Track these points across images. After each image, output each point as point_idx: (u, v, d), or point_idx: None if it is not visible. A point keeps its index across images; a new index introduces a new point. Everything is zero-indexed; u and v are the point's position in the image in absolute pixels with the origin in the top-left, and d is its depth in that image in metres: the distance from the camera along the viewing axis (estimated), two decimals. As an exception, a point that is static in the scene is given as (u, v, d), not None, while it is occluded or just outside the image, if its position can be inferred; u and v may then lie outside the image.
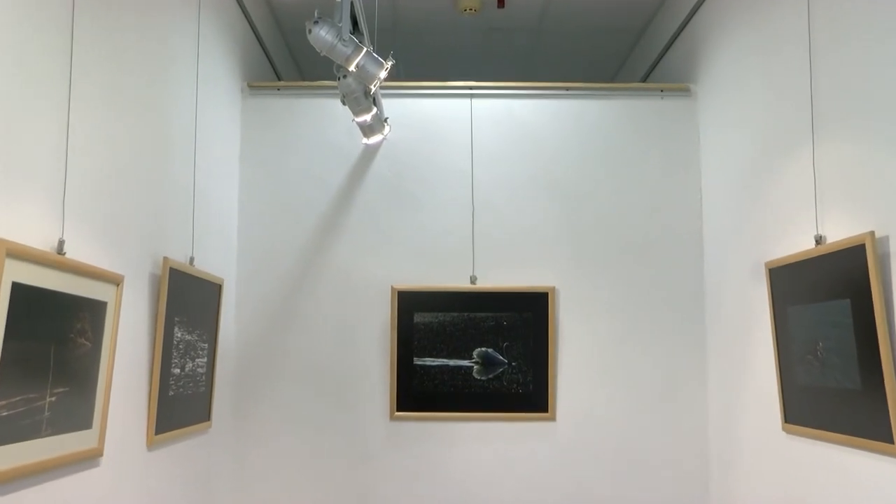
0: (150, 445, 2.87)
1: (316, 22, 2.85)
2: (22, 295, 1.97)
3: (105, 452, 2.48)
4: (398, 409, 3.91)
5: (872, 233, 2.46)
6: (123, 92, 2.64)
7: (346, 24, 2.91)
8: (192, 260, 3.21)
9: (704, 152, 3.99)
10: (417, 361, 3.91)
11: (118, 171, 2.60)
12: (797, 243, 2.94)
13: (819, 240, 2.78)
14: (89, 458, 2.41)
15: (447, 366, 3.91)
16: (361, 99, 3.49)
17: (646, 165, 4.04)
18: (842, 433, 2.65)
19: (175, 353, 3.05)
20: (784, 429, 3.05)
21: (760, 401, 3.30)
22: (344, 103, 3.54)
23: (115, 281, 2.47)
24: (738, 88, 3.56)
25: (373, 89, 3.32)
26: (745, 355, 3.49)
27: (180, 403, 3.13)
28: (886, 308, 2.40)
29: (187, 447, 3.30)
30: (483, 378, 3.91)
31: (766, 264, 3.13)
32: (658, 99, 4.09)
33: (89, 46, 2.37)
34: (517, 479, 3.91)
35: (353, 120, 3.67)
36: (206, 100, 3.42)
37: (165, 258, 2.90)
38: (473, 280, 3.96)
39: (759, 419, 3.31)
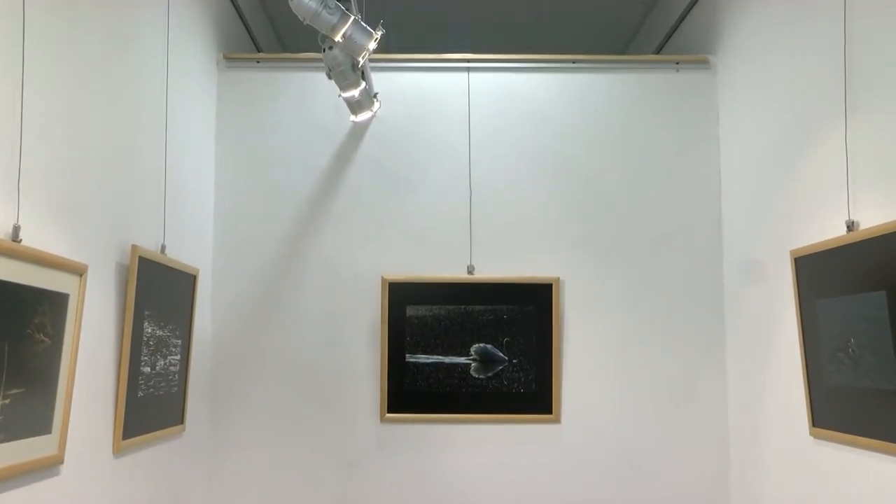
0: (117, 452, 2.85)
1: (298, -14, 2.83)
2: (-29, 286, 1.94)
3: (66, 460, 2.46)
4: (389, 411, 3.91)
5: (911, 218, 2.44)
6: (85, 64, 2.61)
7: (332, -11, 2.89)
8: (163, 248, 3.20)
9: (724, 130, 3.98)
10: (410, 359, 3.92)
11: (80, 150, 2.57)
12: (826, 229, 2.92)
13: (851, 226, 2.76)
14: (48, 467, 2.38)
15: (442, 363, 3.91)
16: (349, 72, 3.48)
17: (659, 145, 4.03)
18: (876, 438, 2.63)
19: (145, 350, 3.03)
20: (812, 433, 3.05)
21: (786, 403, 3.29)
22: (330, 77, 3.53)
23: (78, 271, 2.45)
24: (762, 60, 3.54)
25: (361, 62, 3.32)
26: (768, 353, 3.48)
27: (150, 405, 3.12)
28: (926, 301, 2.38)
29: (158, 453, 3.28)
30: (481, 377, 3.92)
31: (792, 253, 3.12)
32: (673, 72, 4.07)
33: (45, 12, 2.32)
34: (518, 486, 3.91)
35: (340, 95, 3.66)
36: (177, 73, 3.41)
37: (134, 246, 2.89)
38: (471, 270, 3.96)
39: (785, 423, 3.30)
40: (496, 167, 4.03)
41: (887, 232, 2.52)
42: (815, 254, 2.95)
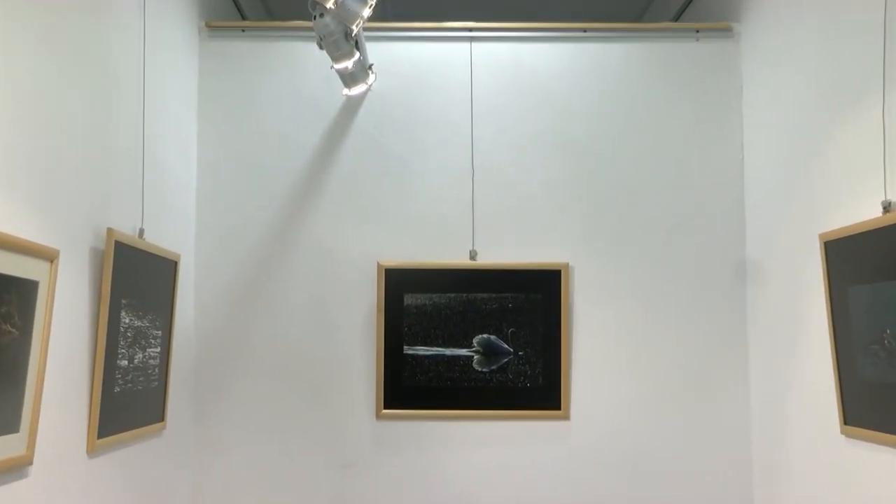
0: (92, 451, 2.84)
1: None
2: (-71, 273, 1.92)
3: (35, 460, 2.45)
4: (386, 407, 3.91)
5: (954, 198, 2.42)
6: (54, 34, 2.59)
7: (323, -50, 2.89)
8: (141, 232, 3.19)
9: (748, 104, 3.96)
10: (408, 351, 3.92)
11: (50, 127, 2.56)
12: (860, 211, 2.90)
13: (888, 206, 2.74)
14: (16, 468, 2.37)
15: (443, 356, 3.92)
16: (341, 42, 3.46)
17: (677, 121, 4.02)
18: (913, 436, 2.63)
19: (122, 342, 3.03)
20: (843, 432, 3.03)
21: (814, 399, 3.28)
22: (321, 48, 3.51)
23: (49, 256, 2.44)
24: (791, 27, 3.52)
25: (355, 30, 3.31)
26: (795, 345, 3.47)
27: (128, 401, 3.11)
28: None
29: (136, 453, 3.28)
30: (484, 370, 3.93)
31: (822, 237, 3.10)
32: (693, 41, 4.06)
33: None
34: (524, 487, 3.92)
35: (332, 67, 3.65)
36: (155, 43, 3.39)
37: (110, 230, 2.88)
38: (473, 256, 3.95)
39: (813, 420, 3.29)
40: (501, 145, 4.02)
41: (927, 213, 2.50)
42: (848, 237, 2.93)
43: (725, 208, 3.97)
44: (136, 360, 3.15)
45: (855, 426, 2.95)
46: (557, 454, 3.92)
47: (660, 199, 3.98)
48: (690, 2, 4.58)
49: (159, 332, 3.37)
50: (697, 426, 3.90)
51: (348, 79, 3.80)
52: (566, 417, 3.90)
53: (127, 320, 3.05)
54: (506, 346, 3.92)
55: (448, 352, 3.92)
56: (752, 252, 3.90)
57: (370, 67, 3.92)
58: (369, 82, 3.93)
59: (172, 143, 3.68)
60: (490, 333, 3.92)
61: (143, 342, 3.21)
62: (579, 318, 3.95)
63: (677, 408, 3.91)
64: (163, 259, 3.37)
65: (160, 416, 3.45)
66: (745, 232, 3.95)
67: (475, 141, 4.00)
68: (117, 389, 2.99)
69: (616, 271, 3.97)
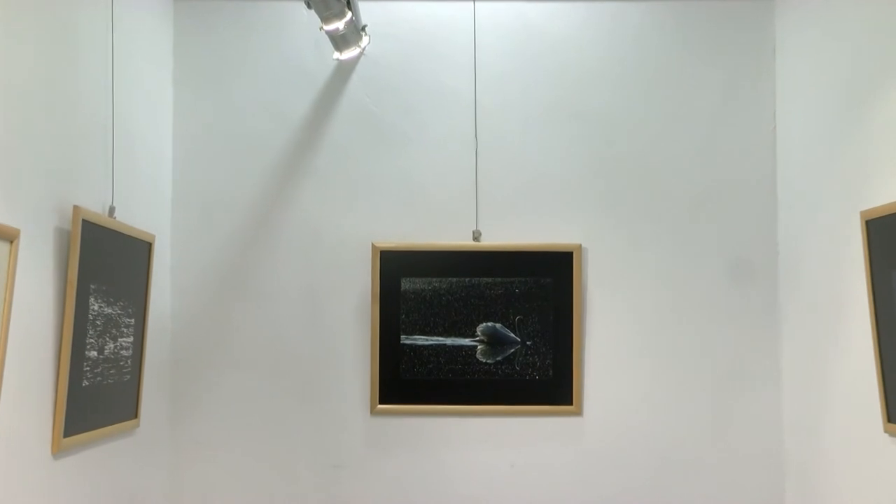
0: (57, 452, 2.84)
1: None
2: None
3: None
4: (381, 402, 3.92)
5: None
6: None
7: None
8: (111, 210, 3.18)
9: (782, 69, 3.94)
10: (406, 340, 3.92)
11: (9, 95, 2.55)
12: None
13: None
14: None
15: (443, 346, 3.93)
16: (332, 1, 3.45)
17: (702, 88, 4.00)
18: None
19: (91, 331, 3.02)
20: (887, 430, 3.01)
21: (854, 393, 3.26)
22: (309, 6, 3.52)
23: (8, 237, 2.44)
24: None
25: None
26: (832, 334, 3.45)
27: (98, 396, 3.11)
28: None
29: (107, 454, 3.27)
30: (489, 361, 3.93)
31: (863, 214, 3.07)
32: None
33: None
34: (532, 490, 3.92)
35: (322, 28, 3.64)
36: (125, 2, 3.37)
37: (76, 207, 2.87)
38: (477, 237, 3.94)
39: (853, 417, 3.27)
40: (507, 115, 4.00)
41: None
42: (892, 215, 2.90)
43: (755, 184, 3.95)
44: (106, 351, 3.14)
45: (900, 424, 2.95)
46: (569, 454, 3.91)
47: (683, 174, 3.96)
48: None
49: (132, 320, 3.36)
50: (724, 423, 3.90)
51: (339, 41, 3.79)
52: (578, 413, 3.90)
53: (96, 307, 3.04)
54: (512, 335, 3.92)
55: (449, 341, 3.91)
56: (784, 232, 3.89)
57: (363, 29, 3.90)
58: (362, 45, 3.92)
59: (145, 113, 3.66)
60: (495, 321, 3.92)
61: (113, 331, 3.20)
62: (593, 305, 3.94)
63: (701, 403, 3.91)
64: (135, 240, 3.36)
65: (133, 413, 3.44)
66: (776, 210, 3.93)
67: (479, 110, 3.97)
68: (85, 383, 2.98)
69: (634, 253, 3.96)
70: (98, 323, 3.06)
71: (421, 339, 3.91)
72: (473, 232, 3.93)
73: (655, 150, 3.97)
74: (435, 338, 3.92)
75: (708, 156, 3.97)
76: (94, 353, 3.04)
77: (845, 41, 3.35)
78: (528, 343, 3.91)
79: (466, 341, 3.92)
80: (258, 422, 3.92)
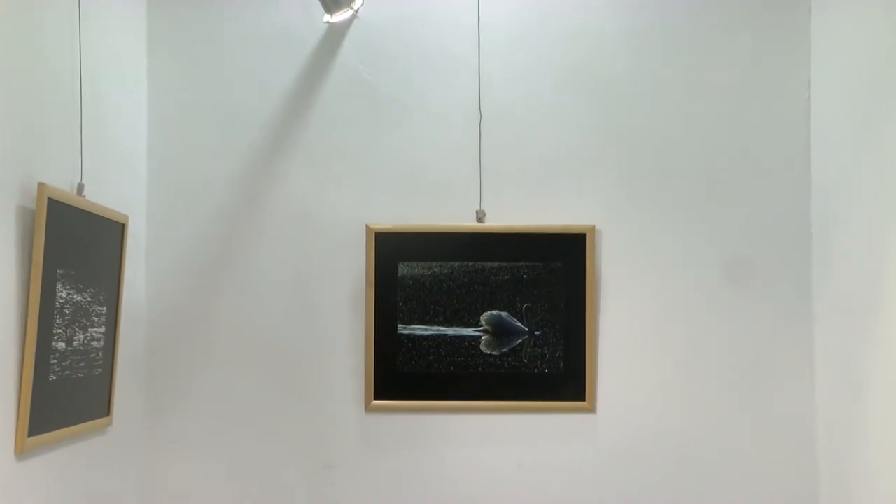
0: (20, 453, 2.81)
1: None
2: None
3: None
4: (376, 397, 3.91)
5: None
6: None
7: None
8: (80, 188, 3.17)
9: (818, 32, 3.91)
10: (403, 331, 3.92)
11: None
12: None
13: None
14: None
15: (444, 336, 3.92)
16: None
17: (729, 54, 3.97)
18: None
19: (59, 320, 3.00)
20: None
21: (894, 390, 3.25)
22: None
23: None
24: None
25: None
26: (872, 324, 3.42)
27: (66, 392, 3.10)
28: None
29: (76, 455, 3.26)
30: (494, 353, 3.93)
31: None
32: None
33: None
34: (542, 493, 3.92)
35: None
36: None
37: (41, 185, 2.84)
38: (481, 217, 3.92)
39: (893, 415, 3.26)
40: (514, 85, 3.98)
41: None
42: None
43: (787, 158, 3.92)
44: (75, 343, 3.13)
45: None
46: (580, 454, 3.91)
47: (707, 149, 3.94)
48: None
49: (103, 308, 3.34)
50: (751, 421, 3.89)
51: (330, 3, 3.78)
52: (591, 410, 3.90)
53: (64, 294, 3.02)
54: (519, 324, 3.91)
55: (451, 332, 3.91)
56: (818, 211, 3.86)
57: (356, -12, 3.89)
58: (355, 7, 3.90)
59: (117, 82, 3.64)
60: (501, 310, 3.92)
61: (83, 321, 3.19)
62: (608, 292, 3.93)
63: (726, 400, 3.90)
64: (107, 221, 3.34)
65: (105, 410, 3.43)
66: (810, 186, 3.90)
67: (483, 80, 3.95)
68: (52, 378, 2.97)
69: (653, 235, 3.94)
70: (66, 311, 3.04)
71: (420, 329, 3.91)
72: (477, 212, 3.91)
73: (676, 122, 3.95)
74: (435, 327, 3.91)
75: (734, 129, 3.94)
76: (61, 345, 3.02)
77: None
78: (536, 333, 3.90)
79: (469, 331, 3.91)
80: (242, 419, 3.91)
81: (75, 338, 3.12)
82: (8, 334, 2.74)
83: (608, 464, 3.90)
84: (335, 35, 3.98)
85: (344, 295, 3.93)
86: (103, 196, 3.34)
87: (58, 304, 2.97)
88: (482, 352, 3.90)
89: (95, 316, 3.28)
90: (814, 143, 3.90)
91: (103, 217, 3.29)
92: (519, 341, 3.91)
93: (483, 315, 3.91)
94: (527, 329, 3.90)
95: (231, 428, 3.91)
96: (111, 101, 3.55)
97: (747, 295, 3.91)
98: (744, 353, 3.90)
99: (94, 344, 3.28)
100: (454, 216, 3.92)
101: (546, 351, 3.90)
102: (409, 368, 3.90)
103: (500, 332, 3.91)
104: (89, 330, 3.23)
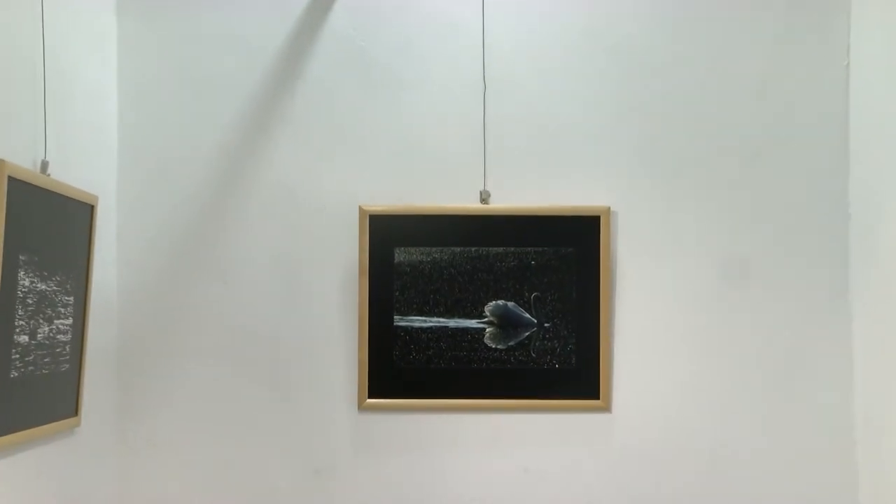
0: None
1: None
2: None
3: None
4: (371, 395, 3.91)
5: None
6: None
7: None
8: (44, 166, 3.14)
9: None
10: (400, 322, 3.91)
11: None
12: None
13: None
14: None
15: (445, 328, 3.91)
16: None
17: (760, 15, 3.95)
18: None
19: (21, 311, 2.99)
20: None
21: None
22: None
23: None
24: None
25: None
26: None
27: (30, 390, 3.09)
28: None
29: (41, 458, 3.24)
30: (500, 347, 3.92)
31: None
32: None
33: None
34: (551, 501, 3.92)
35: None
36: None
37: (1, 162, 2.81)
38: (485, 198, 3.91)
39: None
40: (521, 52, 3.97)
41: None
42: None
43: (822, 132, 3.90)
44: (39, 336, 3.11)
45: None
46: (594, 457, 3.90)
47: (735, 121, 3.92)
48: None
49: (70, 298, 3.33)
50: (784, 420, 3.87)
51: None
52: (606, 409, 3.89)
53: (27, 282, 3.00)
54: (527, 315, 3.91)
55: (452, 323, 3.90)
56: (857, 191, 3.84)
57: (348, -53, 3.87)
58: None
59: (84, 50, 3.62)
60: (507, 299, 3.91)
61: (49, 311, 3.17)
62: (625, 279, 3.92)
63: (756, 397, 3.88)
64: (74, 201, 3.32)
65: (73, 410, 3.41)
66: (848, 162, 3.89)
67: (488, 47, 3.93)
68: (14, 374, 2.95)
69: (674, 216, 3.92)
70: (29, 301, 3.03)
71: (418, 321, 3.90)
72: (481, 192, 3.90)
73: (701, 91, 3.93)
74: (435, 319, 3.90)
75: (765, 97, 3.92)
76: (24, 338, 3.01)
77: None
78: (545, 325, 3.90)
79: (472, 323, 3.91)
80: (223, 420, 3.91)
81: (39, 330, 3.11)
82: (-36, 327, 2.72)
83: (625, 469, 3.89)
84: (325, -2, 4.00)
85: (335, 283, 3.93)
86: (70, 174, 3.31)
87: (20, 294, 2.96)
88: (486, 345, 3.90)
89: (62, 306, 3.27)
90: (853, 115, 3.88)
91: (70, 197, 3.27)
92: (527, 334, 3.90)
93: (487, 305, 3.90)
94: (535, 320, 3.90)
95: (211, 429, 3.91)
96: (77, 70, 3.53)
97: (778, 282, 3.89)
98: (775, 344, 3.89)
99: (61, 337, 3.27)
100: (456, 197, 3.91)
101: (556, 344, 3.89)
102: (406, 364, 3.90)
103: (506, 323, 3.90)
104: (55, 322, 3.22)
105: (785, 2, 3.93)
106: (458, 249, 3.89)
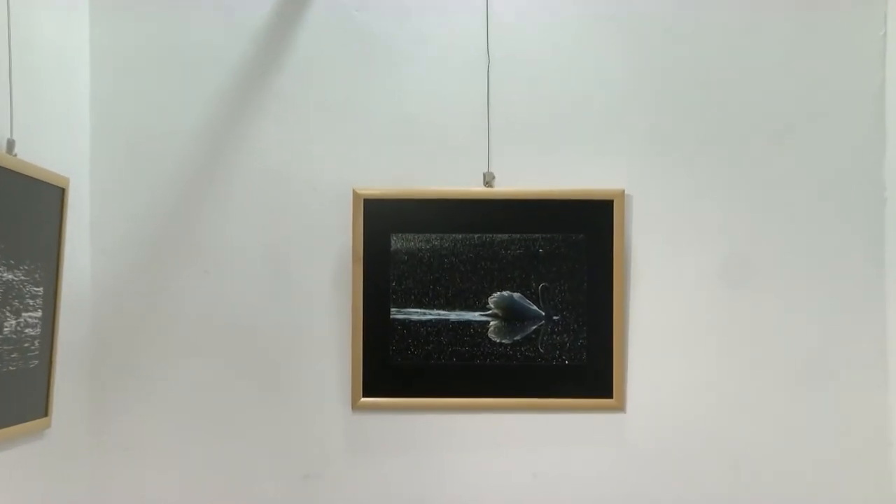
0: None
1: None
2: None
3: None
4: (365, 394, 3.90)
5: None
6: None
7: None
8: (10, 145, 3.13)
9: None
10: (397, 315, 3.91)
11: None
12: None
13: None
14: None
15: (446, 321, 3.91)
16: None
17: None
18: None
19: None
20: None
21: None
22: None
23: None
24: None
25: None
26: None
27: None
28: None
29: (7, 463, 3.25)
30: (505, 342, 3.91)
31: None
32: None
33: None
34: None
35: None
36: None
37: None
38: (489, 181, 3.90)
39: None
40: (528, 24, 3.95)
41: None
42: None
43: (856, 110, 3.88)
44: (5, 330, 3.11)
45: None
46: (607, 460, 3.90)
47: (760, 98, 3.89)
48: None
49: (40, 289, 3.32)
50: (813, 421, 3.86)
51: None
52: (620, 408, 3.88)
53: None
54: (534, 307, 3.90)
55: (453, 316, 3.90)
56: (894, 169, 3.83)
57: None
58: None
59: (53, 19, 3.60)
60: (512, 290, 3.90)
61: (15, 303, 3.17)
62: (640, 268, 3.90)
63: (782, 396, 3.87)
64: (43, 184, 3.32)
65: (42, 410, 3.41)
66: (884, 143, 3.86)
67: (492, 17, 3.92)
68: None
69: (693, 201, 3.90)
70: None
71: (416, 314, 3.90)
72: (484, 175, 3.89)
73: (723, 66, 3.91)
74: (435, 311, 3.90)
75: (794, 72, 3.90)
76: None
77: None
78: (554, 318, 3.89)
79: (475, 316, 3.90)
80: (206, 421, 3.90)
81: (6, 324, 3.11)
82: (-78, 320, 2.71)
83: (640, 473, 3.90)
84: (317, -36, 4.00)
85: (326, 273, 3.93)
86: (38, 155, 3.31)
87: (-16, 284, 2.95)
88: (490, 340, 3.90)
89: (30, 298, 3.27)
90: (889, 88, 3.87)
91: (38, 180, 3.27)
92: (534, 328, 3.90)
93: (491, 297, 3.90)
94: (543, 313, 3.89)
95: (192, 432, 3.91)
96: (46, 43, 3.53)
97: (806, 272, 3.89)
98: (802, 339, 3.88)
99: (29, 331, 3.27)
100: (457, 180, 3.90)
101: (566, 339, 3.89)
102: (403, 360, 3.90)
103: (511, 316, 3.90)
104: (23, 315, 3.22)
105: (815, -35, 3.96)
106: (459, 236, 3.89)
